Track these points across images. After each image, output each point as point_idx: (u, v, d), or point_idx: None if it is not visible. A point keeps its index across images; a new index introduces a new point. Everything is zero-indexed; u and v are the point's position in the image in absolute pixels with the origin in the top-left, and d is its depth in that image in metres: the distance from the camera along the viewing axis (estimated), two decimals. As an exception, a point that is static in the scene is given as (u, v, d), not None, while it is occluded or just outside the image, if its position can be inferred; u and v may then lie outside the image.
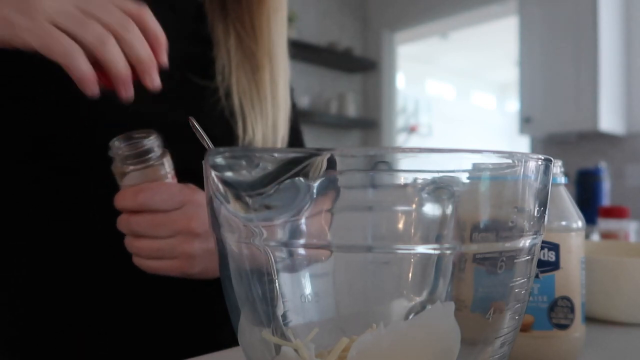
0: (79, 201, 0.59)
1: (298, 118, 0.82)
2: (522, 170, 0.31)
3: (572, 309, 0.44)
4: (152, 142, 0.48)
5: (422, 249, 0.29)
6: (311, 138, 3.15)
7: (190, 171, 0.49)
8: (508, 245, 0.31)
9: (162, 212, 0.48)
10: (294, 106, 0.79)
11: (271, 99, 0.69)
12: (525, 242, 0.32)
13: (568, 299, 0.44)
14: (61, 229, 0.59)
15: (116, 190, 0.51)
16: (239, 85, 0.67)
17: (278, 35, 0.71)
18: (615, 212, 1.37)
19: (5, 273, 0.60)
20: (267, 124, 0.68)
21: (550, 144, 3.06)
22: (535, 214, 0.32)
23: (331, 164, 0.29)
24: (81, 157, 0.58)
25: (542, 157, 0.32)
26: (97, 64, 0.42)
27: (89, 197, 0.59)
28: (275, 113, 0.69)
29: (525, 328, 0.44)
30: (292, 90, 0.79)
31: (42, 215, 0.59)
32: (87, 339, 0.59)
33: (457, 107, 5.86)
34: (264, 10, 0.69)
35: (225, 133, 0.65)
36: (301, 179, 0.29)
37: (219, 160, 0.31)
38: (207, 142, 0.40)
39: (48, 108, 0.57)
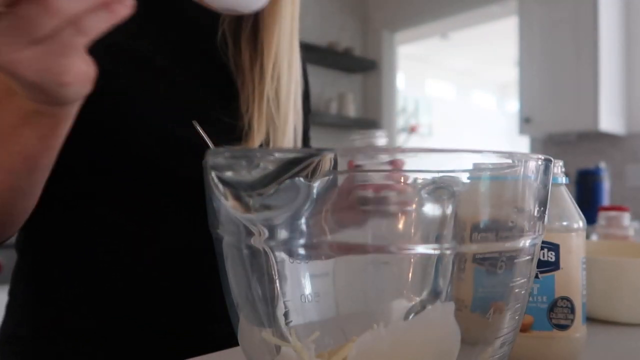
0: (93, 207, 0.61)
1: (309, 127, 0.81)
2: (522, 170, 0.31)
3: (572, 310, 0.44)
4: None
5: (422, 249, 0.29)
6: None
7: None
8: (508, 245, 0.31)
9: None
10: (308, 114, 0.78)
11: (285, 122, 0.67)
12: (525, 242, 0.32)
13: (568, 300, 0.44)
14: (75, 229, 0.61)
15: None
16: (260, 119, 0.65)
17: (293, 49, 0.70)
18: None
19: (34, 272, 0.62)
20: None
21: (550, 144, 3.06)
22: (535, 214, 0.32)
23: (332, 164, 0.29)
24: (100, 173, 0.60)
25: (542, 157, 0.32)
26: None
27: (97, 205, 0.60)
28: (287, 133, 0.67)
29: (524, 328, 0.44)
30: (308, 99, 0.78)
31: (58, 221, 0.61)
32: (88, 339, 0.59)
33: (457, 107, 5.85)
34: (276, 24, 0.68)
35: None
36: (301, 179, 0.29)
37: (219, 160, 0.31)
38: (210, 144, 0.40)
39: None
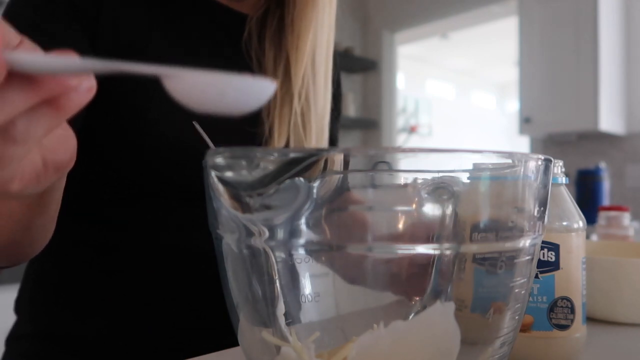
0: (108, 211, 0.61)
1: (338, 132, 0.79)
2: (522, 170, 0.31)
3: (572, 310, 0.44)
4: None
5: (422, 249, 0.29)
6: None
7: None
8: (508, 245, 0.31)
9: None
10: (338, 116, 0.77)
11: (314, 131, 0.66)
12: (525, 242, 0.31)
13: (568, 300, 0.44)
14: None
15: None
16: (282, 124, 0.64)
17: (322, 56, 0.68)
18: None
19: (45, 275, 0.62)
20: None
21: (550, 144, 3.05)
22: (535, 214, 0.32)
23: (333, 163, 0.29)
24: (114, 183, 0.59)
25: (542, 157, 0.32)
26: None
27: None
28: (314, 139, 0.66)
29: (524, 328, 0.44)
30: (339, 102, 0.77)
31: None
32: (87, 340, 0.59)
33: (457, 107, 5.85)
34: (311, 23, 0.66)
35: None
36: (301, 179, 0.29)
37: (219, 160, 0.31)
38: (211, 145, 0.40)
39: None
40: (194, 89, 0.24)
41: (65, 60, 0.24)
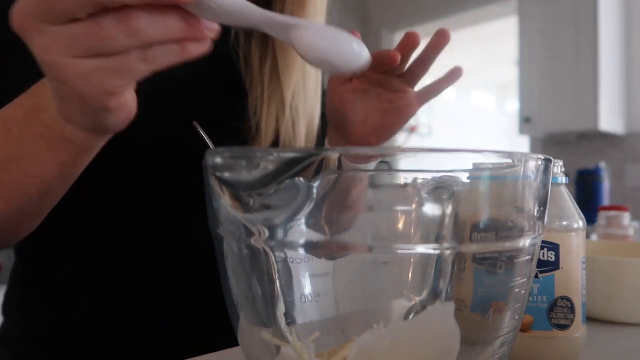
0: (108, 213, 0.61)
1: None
2: (522, 170, 0.31)
3: (572, 310, 0.44)
4: None
5: (422, 249, 0.29)
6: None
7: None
8: (508, 245, 0.31)
9: None
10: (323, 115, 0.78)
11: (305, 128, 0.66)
12: (525, 242, 0.32)
13: (568, 300, 0.44)
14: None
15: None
16: (269, 122, 0.63)
17: None
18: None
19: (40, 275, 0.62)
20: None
21: (550, 144, 3.06)
22: (535, 214, 0.32)
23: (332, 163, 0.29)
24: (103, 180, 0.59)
25: (542, 157, 0.32)
26: None
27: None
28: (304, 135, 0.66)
29: (524, 328, 0.44)
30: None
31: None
32: (75, 341, 0.59)
33: (457, 107, 5.85)
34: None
35: None
36: (301, 179, 0.29)
37: (219, 160, 0.31)
38: (210, 145, 0.40)
39: None
40: (315, 38, 0.30)
41: (242, 4, 0.31)
